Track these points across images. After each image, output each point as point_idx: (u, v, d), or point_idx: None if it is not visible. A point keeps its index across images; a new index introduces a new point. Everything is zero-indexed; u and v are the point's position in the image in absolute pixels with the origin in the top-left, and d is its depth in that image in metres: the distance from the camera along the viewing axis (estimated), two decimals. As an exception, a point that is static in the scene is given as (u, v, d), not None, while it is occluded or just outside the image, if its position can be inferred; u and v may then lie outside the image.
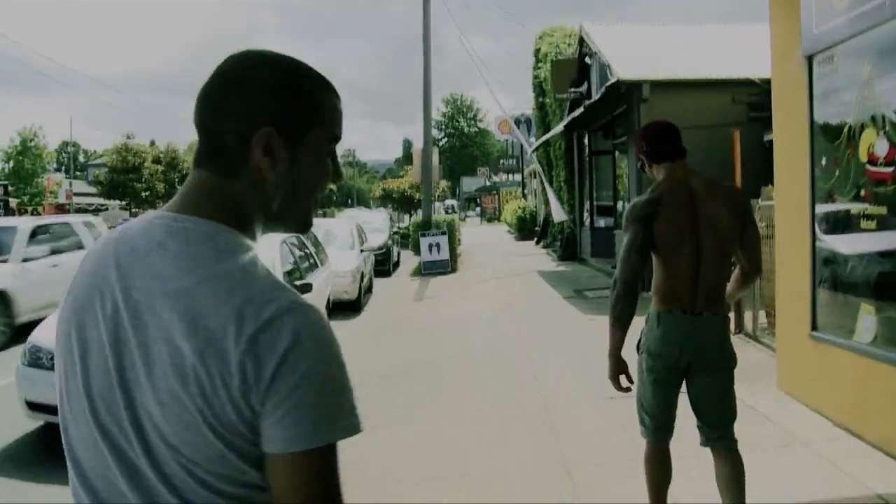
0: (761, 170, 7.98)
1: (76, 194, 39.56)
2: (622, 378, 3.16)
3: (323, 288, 9.68)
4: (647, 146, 3.24)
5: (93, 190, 41.00)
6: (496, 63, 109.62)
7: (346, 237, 14.12)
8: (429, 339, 9.27)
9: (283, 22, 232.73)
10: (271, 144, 1.04)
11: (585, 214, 17.86)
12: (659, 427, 3.24)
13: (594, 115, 13.94)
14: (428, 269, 17.31)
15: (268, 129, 1.03)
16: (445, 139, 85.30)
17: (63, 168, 61.18)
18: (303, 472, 0.95)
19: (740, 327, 6.51)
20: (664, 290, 3.15)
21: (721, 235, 3.09)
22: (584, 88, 15.48)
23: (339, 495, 0.98)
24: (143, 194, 38.44)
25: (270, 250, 7.67)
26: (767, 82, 6.40)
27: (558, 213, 18.02)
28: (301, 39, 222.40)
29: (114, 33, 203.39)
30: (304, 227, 1.15)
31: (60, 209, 37.62)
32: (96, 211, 45.62)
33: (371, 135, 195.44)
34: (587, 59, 15.05)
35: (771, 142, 6.48)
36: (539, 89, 22.71)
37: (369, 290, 15.28)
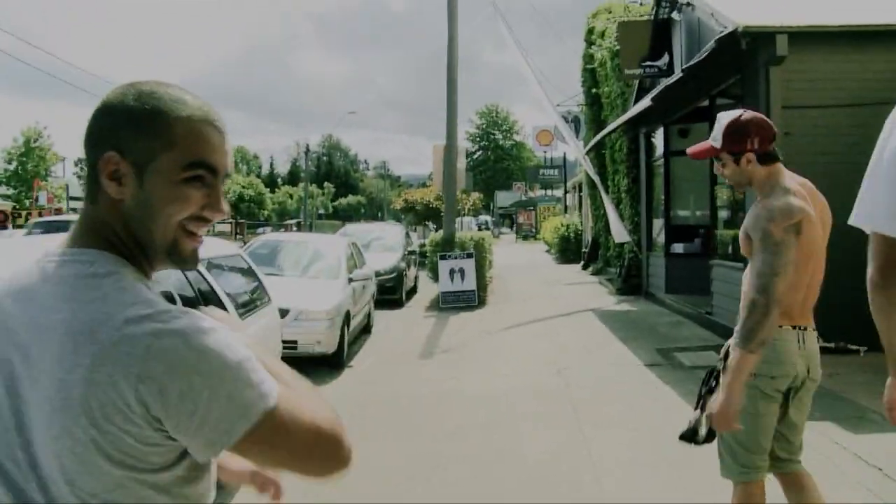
0: None
1: (72, 198, 36.12)
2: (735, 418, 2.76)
3: (266, 337, 5.72)
4: (759, 144, 2.85)
5: (80, 194, 37.42)
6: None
7: (329, 263, 10.09)
8: (427, 460, 5.20)
9: (319, 33, 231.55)
10: (118, 169, 1.06)
11: (656, 236, 13.64)
12: (759, 465, 2.92)
13: (678, 97, 9.78)
14: (448, 303, 13.24)
15: (111, 154, 1.06)
16: (479, 152, 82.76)
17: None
18: (266, 441, 1.01)
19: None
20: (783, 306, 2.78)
21: (825, 240, 2.92)
22: (662, 62, 11.33)
23: (310, 423, 1.05)
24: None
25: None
26: None
27: (619, 233, 13.84)
28: (337, 51, 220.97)
29: (150, 42, 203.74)
30: (177, 261, 1.13)
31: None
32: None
33: (407, 148, 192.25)
34: (675, 14, 10.86)
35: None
36: (591, 79, 18.53)
37: (366, 330, 11.30)
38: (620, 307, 12.78)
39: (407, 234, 18.99)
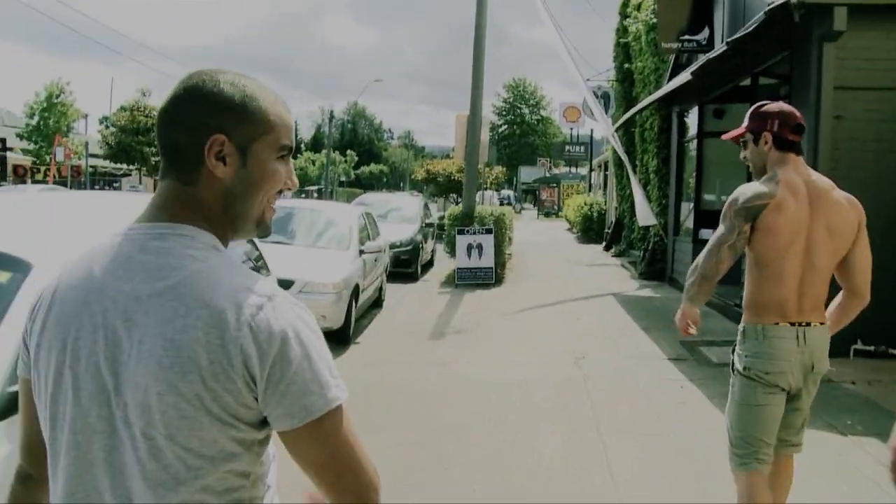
0: None
1: (92, 155, 35.73)
2: (692, 324, 3.04)
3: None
4: (780, 129, 2.91)
5: (99, 151, 36.78)
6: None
7: (340, 233, 9.63)
8: (429, 458, 4.76)
9: (348, 1, 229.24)
10: (223, 151, 1.15)
11: (684, 220, 13.04)
12: (759, 457, 2.91)
13: (718, 74, 9.15)
14: (464, 280, 12.77)
15: (218, 136, 1.15)
16: (505, 126, 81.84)
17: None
18: (324, 436, 1.11)
19: None
20: (763, 300, 2.90)
21: (835, 242, 2.87)
22: (702, 36, 10.66)
23: (357, 441, 1.16)
24: (153, 160, 34.03)
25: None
26: None
27: (645, 216, 13.24)
28: (363, 21, 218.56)
29: (177, 6, 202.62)
30: (262, 230, 1.26)
31: (75, 172, 34.17)
32: (109, 181, 41.99)
33: (431, 120, 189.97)
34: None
35: None
36: (623, 54, 17.81)
37: (377, 304, 10.88)
38: (643, 293, 12.24)
39: (426, 206, 18.46)
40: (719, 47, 7.54)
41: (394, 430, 5.13)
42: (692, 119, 12.79)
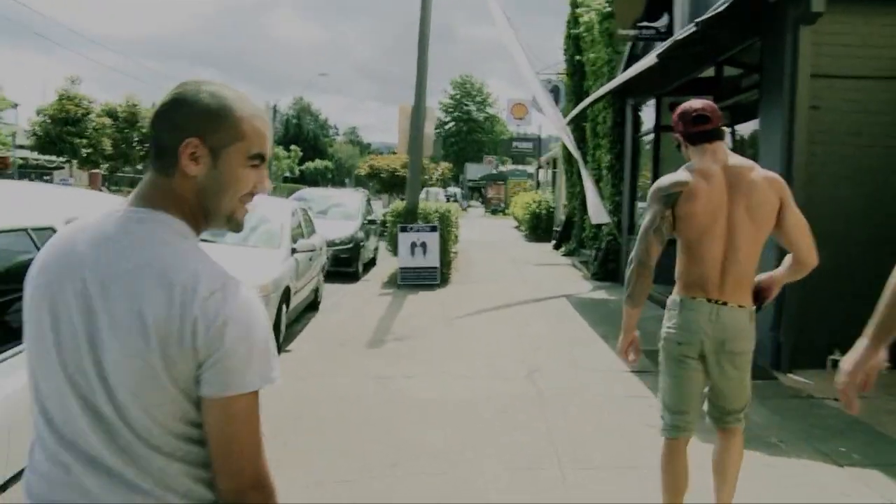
0: None
1: (19, 146, 33.64)
2: (631, 350, 3.21)
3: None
4: (683, 128, 3.16)
5: (26, 142, 34.56)
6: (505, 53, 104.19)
7: (270, 230, 8.70)
8: None
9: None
10: (196, 153, 1.32)
11: (638, 218, 12.48)
12: (677, 424, 3.16)
13: (682, 60, 8.53)
14: (407, 280, 11.96)
15: (193, 139, 1.31)
16: (452, 123, 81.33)
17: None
18: (231, 413, 1.24)
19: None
20: (688, 277, 3.11)
21: (756, 222, 3.01)
22: (661, 23, 10.04)
23: (258, 432, 1.28)
24: (83, 152, 32.01)
25: None
26: None
27: (597, 213, 12.60)
28: (309, 17, 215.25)
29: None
30: (232, 226, 1.41)
31: (2, 163, 32.21)
32: (40, 174, 39.64)
33: (378, 117, 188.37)
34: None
35: None
36: (574, 47, 17.21)
37: (313, 307, 10.02)
38: (597, 294, 11.62)
39: (368, 202, 17.53)
40: (687, 27, 6.89)
41: (320, 461, 4.30)
42: (648, 113, 12.23)
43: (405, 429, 5.01)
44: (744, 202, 2.98)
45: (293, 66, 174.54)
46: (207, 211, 1.36)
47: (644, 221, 3.11)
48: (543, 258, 17.41)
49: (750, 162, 3.12)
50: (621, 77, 10.38)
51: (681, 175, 3.06)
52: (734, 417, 3.19)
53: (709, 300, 3.03)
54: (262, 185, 1.40)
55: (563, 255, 18.07)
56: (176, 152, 1.30)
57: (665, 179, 3.10)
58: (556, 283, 12.88)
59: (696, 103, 3.16)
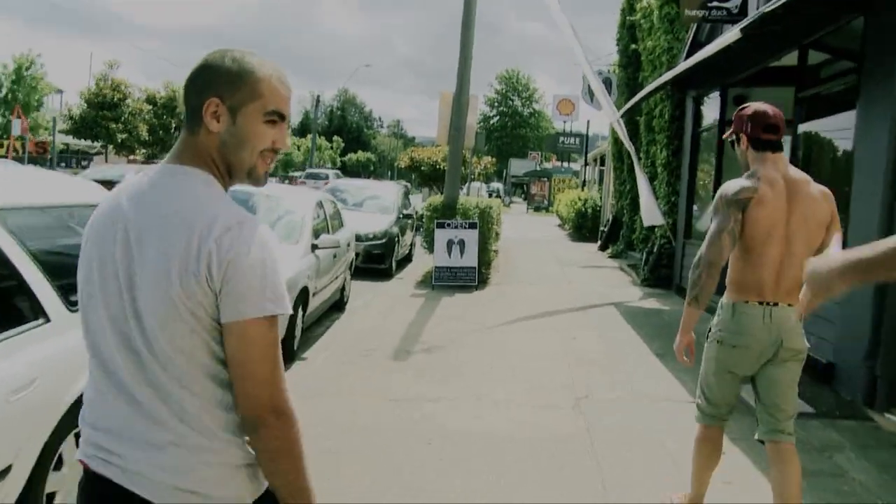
0: None
1: (62, 132, 33.47)
2: (686, 352, 3.27)
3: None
4: (752, 130, 3.21)
5: (64, 127, 34.42)
6: (552, 49, 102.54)
7: (291, 223, 7.88)
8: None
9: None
10: (217, 111, 1.49)
11: (696, 221, 11.41)
12: (717, 415, 3.36)
13: (753, 47, 7.47)
14: (442, 280, 11.07)
15: (214, 99, 1.49)
16: (497, 117, 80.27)
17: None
18: (247, 338, 1.39)
19: None
20: (743, 281, 3.18)
21: (811, 231, 3.14)
22: (732, 3, 8.96)
23: (275, 360, 1.42)
24: (119, 137, 31.73)
25: None
26: None
27: (651, 214, 11.61)
28: (357, 10, 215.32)
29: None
30: (253, 180, 1.57)
31: (41, 148, 32.10)
32: (80, 159, 39.60)
33: (423, 111, 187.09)
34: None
35: None
36: (629, 36, 16.14)
37: (339, 307, 9.25)
38: (649, 303, 10.58)
39: (406, 195, 16.70)
40: (774, 3, 5.83)
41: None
42: (711, 106, 11.13)
43: (424, 471, 4.13)
44: (801, 211, 3.12)
45: (340, 58, 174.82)
46: (230, 164, 1.53)
47: (715, 224, 3.16)
48: (588, 259, 16.38)
49: (806, 175, 3.24)
50: (684, 64, 9.32)
51: (749, 182, 3.15)
52: (787, 425, 3.21)
53: (761, 303, 3.14)
54: (282, 141, 1.55)
55: (610, 256, 17.01)
56: (200, 112, 1.50)
57: (733, 185, 3.18)
58: (604, 287, 11.87)
59: (768, 108, 3.22)
